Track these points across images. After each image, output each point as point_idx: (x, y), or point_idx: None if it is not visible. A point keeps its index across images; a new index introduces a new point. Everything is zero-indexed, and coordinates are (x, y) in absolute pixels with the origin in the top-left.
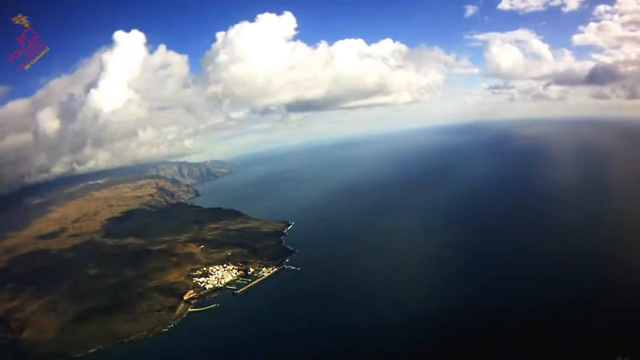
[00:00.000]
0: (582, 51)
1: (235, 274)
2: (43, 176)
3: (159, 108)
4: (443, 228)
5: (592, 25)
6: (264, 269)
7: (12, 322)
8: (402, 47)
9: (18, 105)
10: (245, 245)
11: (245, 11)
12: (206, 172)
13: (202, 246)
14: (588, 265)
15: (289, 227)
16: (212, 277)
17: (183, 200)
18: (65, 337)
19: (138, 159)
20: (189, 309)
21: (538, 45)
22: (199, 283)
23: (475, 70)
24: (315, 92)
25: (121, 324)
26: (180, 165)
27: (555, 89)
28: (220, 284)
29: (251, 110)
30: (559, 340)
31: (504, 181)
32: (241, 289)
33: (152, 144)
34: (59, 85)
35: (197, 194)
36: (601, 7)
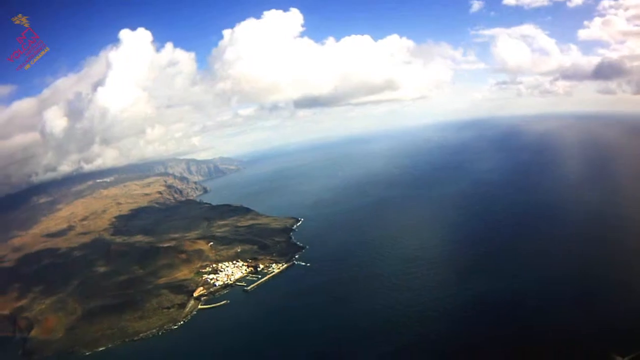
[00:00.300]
0: (588, 46)
1: (245, 270)
2: (50, 175)
3: (167, 106)
4: (454, 223)
5: (597, 20)
6: (274, 265)
7: (20, 321)
8: (410, 43)
9: (24, 105)
10: (255, 242)
11: (252, 8)
12: (214, 169)
13: (212, 243)
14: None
15: (298, 223)
16: (221, 274)
17: (191, 198)
18: (74, 336)
19: (146, 156)
20: (199, 306)
21: (544, 40)
22: (209, 280)
23: (482, 65)
24: (323, 88)
25: (130, 321)
26: (188, 162)
27: (561, 84)
28: (230, 280)
29: (259, 106)
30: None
31: (513, 176)
32: (251, 286)
33: (159, 142)
34: (66, 84)
35: (205, 191)
36: (605, 2)
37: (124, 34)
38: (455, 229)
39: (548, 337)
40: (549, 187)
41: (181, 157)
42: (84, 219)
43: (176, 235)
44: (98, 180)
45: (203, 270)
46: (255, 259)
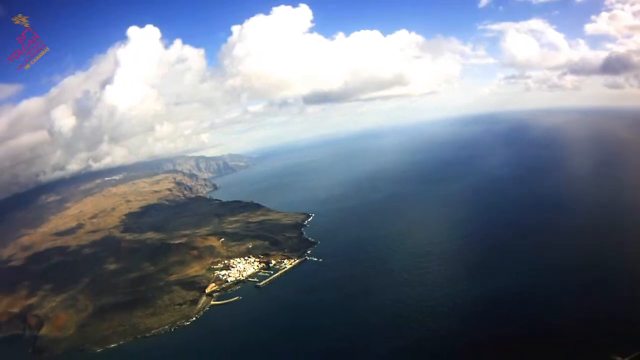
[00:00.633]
0: (596, 40)
1: (257, 266)
2: (58, 174)
3: (175, 103)
4: (463, 218)
5: (604, 14)
6: (285, 260)
7: (30, 319)
8: (419, 38)
9: (31, 104)
10: (266, 238)
11: (261, 4)
12: (223, 166)
13: (223, 239)
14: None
15: (309, 219)
16: (233, 270)
17: (201, 194)
18: (85, 333)
19: (155, 154)
20: (211, 302)
21: (553, 34)
22: (221, 276)
23: (491, 60)
24: (333, 84)
25: (142, 318)
26: (197, 159)
27: (570, 79)
28: (242, 276)
29: (268, 103)
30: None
31: (522, 171)
32: (263, 281)
33: (168, 139)
34: (74, 82)
35: (215, 187)
36: None
37: (132, 31)
38: (464, 224)
39: (550, 336)
40: (557, 181)
41: (190, 154)
42: (94, 216)
43: (187, 232)
44: (107, 179)
45: (215, 267)
46: (267, 254)
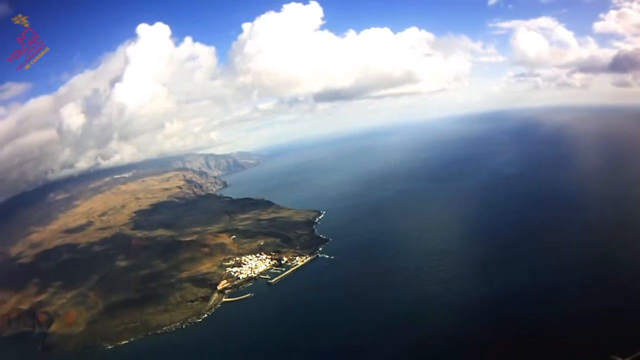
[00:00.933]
0: (604, 39)
1: (269, 263)
2: (67, 172)
3: (186, 101)
4: (474, 215)
5: (612, 12)
6: (297, 258)
7: (40, 316)
8: (429, 36)
9: (40, 102)
10: (278, 235)
11: (271, 1)
12: (233, 164)
13: (234, 236)
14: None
15: (320, 216)
16: (245, 267)
17: (211, 192)
18: (95, 330)
19: (164, 151)
20: (223, 299)
21: (562, 32)
22: (232, 273)
23: (501, 58)
24: (344, 81)
25: (153, 315)
26: (207, 157)
27: (578, 77)
28: (254, 273)
29: (279, 100)
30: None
31: (532, 168)
32: (275, 278)
33: (178, 137)
34: (83, 81)
35: (225, 185)
36: None
37: (142, 28)
38: (475, 221)
39: (553, 335)
40: (567, 178)
41: (199, 152)
42: (103, 214)
43: (198, 229)
44: (116, 176)
45: (226, 264)
46: (278, 251)
